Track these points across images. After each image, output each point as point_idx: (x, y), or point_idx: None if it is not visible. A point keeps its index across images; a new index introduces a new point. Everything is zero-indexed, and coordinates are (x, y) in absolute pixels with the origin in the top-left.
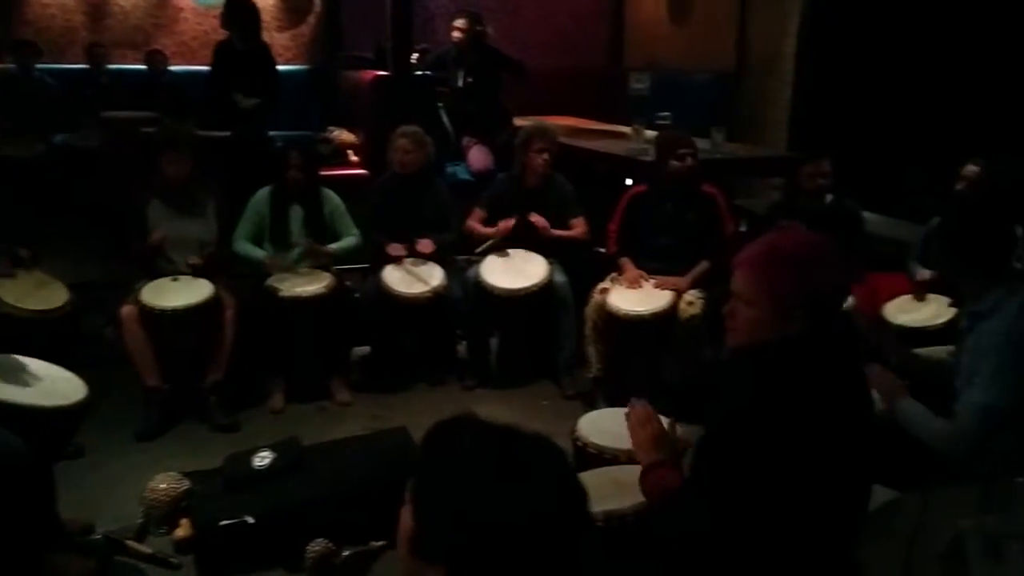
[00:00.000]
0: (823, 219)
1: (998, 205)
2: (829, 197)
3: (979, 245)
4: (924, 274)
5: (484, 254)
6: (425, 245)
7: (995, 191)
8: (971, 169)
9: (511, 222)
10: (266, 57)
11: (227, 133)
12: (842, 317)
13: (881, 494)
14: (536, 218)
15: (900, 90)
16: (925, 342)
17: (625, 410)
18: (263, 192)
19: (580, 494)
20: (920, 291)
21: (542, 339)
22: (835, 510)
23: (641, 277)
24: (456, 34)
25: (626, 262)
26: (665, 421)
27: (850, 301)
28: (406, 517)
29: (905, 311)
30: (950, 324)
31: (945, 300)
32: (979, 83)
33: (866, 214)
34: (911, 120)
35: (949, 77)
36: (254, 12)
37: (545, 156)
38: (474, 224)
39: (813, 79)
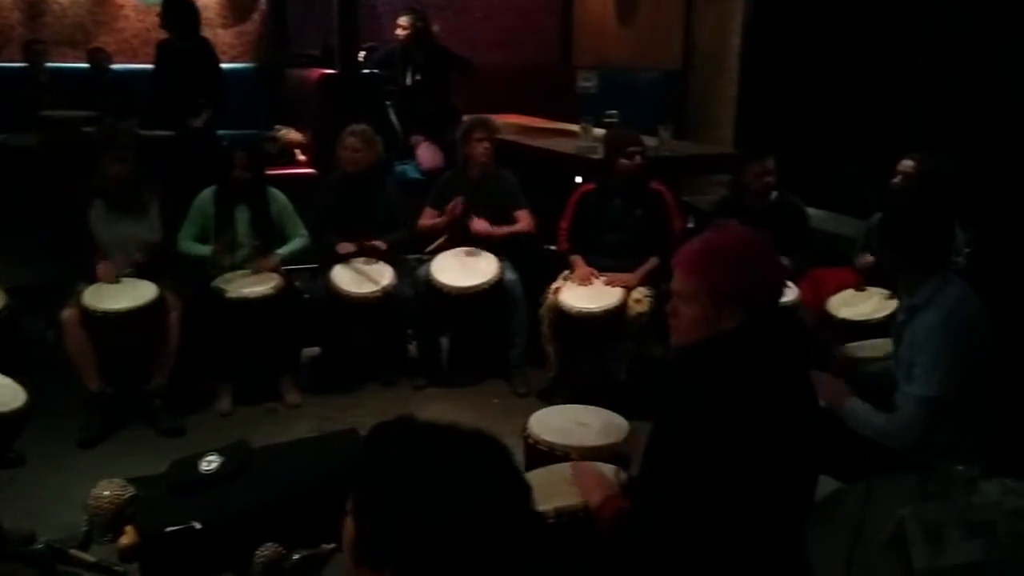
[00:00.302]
0: (768, 216)
1: (937, 199)
2: (774, 194)
3: (918, 237)
4: (868, 259)
5: (434, 252)
6: (376, 248)
7: (933, 186)
8: (907, 164)
9: (458, 205)
10: (209, 56)
11: (171, 132)
12: (782, 313)
13: (827, 485)
14: (477, 223)
15: (840, 86)
16: (868, 335)
17: (575, 407)
18: (207, 192)
19: (523, 490)
20: (862, 279)
21: (493, 337)
22: (784, 503)
23: (592, 275)
24: (400, 32)
25: (577, 259)
26: (609, 469)
27: (795, 295)
28: (348, 525)
29: (848, 304)
30: (891, 317)
31: (885, 293)
32: (915, 79)
33: (809, 210)
34: (851, 115)
35: (887, 73)
36: (192, 10)
37: (486, 145)
38: (426, 222)
39: (757, 77)
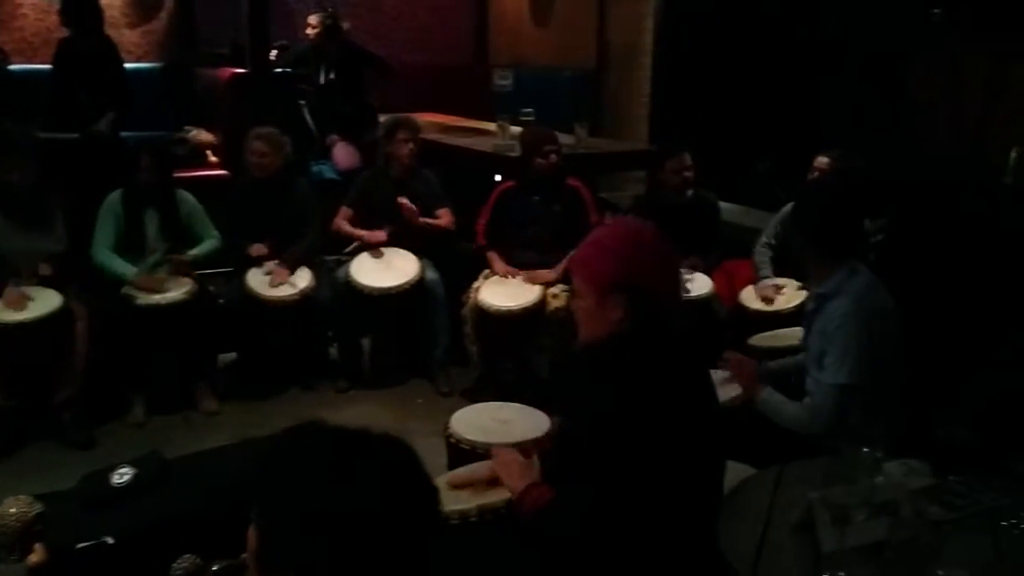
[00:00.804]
0: (685, 211)
1: (847, 190)
2: (690, 191)
3: (829, 227)
4: (767, 287)
5: (353, 253)
6: (280, 274)
7: (845, 178)
8: (822, 160)
9: (383, 234)
10: (111, 55)
11: (74, 135)
12: (694, 305)
13: (741, 472)
14: (405, 203)
15: (750, 83)
16: (780, 325)
17: (495, 404)
18: (114, 196)
19: (429, 493)
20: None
21: (415, 337)
22: (694, 492)
23: (509, 273)
24: (310, 31)
25: (493, 256)
26: (531, 423)
27: (709, 288)
28: (251, 533)
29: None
30: (802, 307)
31: (796, 283)
32: (824, 76)
33: (722, 204)
34: (761, 112)
35: (796, 70)
36: (94, 7)
37: (411, 146)
38: (342, 223)
39: (670, 74)
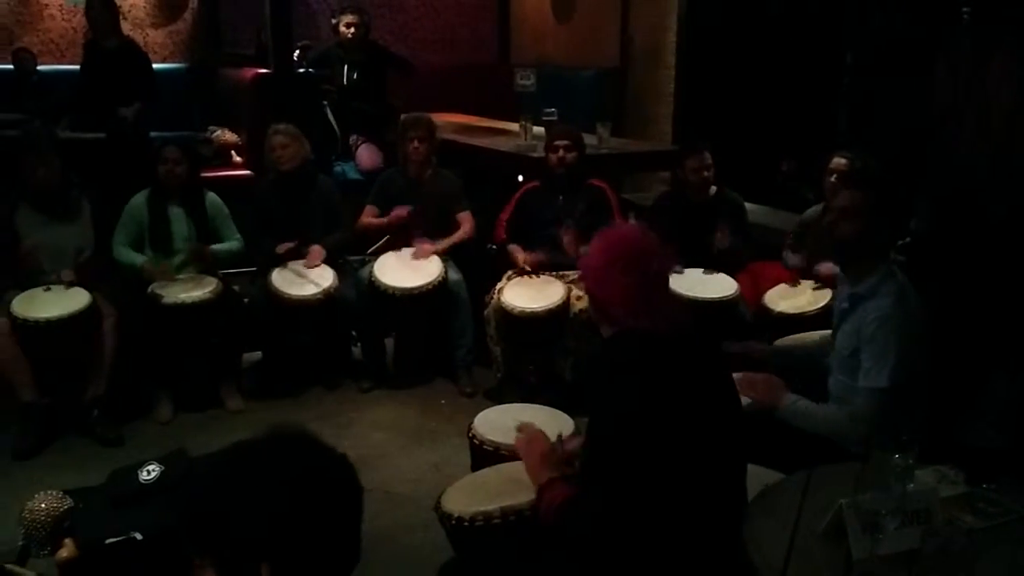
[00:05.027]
0: (709, 211)
1: (893, 187)
2: (713, 189)
3: (874, 224)
4: (795, 260)
5: (376, 253)
6: (315, 254)
7: (883, 179)
8: (839, 161)
9: (404, 210)
10: (137, 54)
11: (100, 135)
12: (719, 307)
13: (767, 476)
14: (421, 248)
15: (776, 82)
16: (804, 327)
17: (520, 406)
18: (139, 197)
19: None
20: (797, 275)
21: (438, 338)
22: (712, 491)
23: (531, 262)
24: (351, 30)
25: (515, 248)
26: (553, 434)
27: (735, 289)
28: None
29: (785, 298)
30: (827, 309)
31: (814, 284)
32: (844, 76)
33: (747, 204)
34: (786, 112)
35: (820, 69)
36: (108, 7)
37: (416, 144)
38: (366, 219)
39: (694, 73)
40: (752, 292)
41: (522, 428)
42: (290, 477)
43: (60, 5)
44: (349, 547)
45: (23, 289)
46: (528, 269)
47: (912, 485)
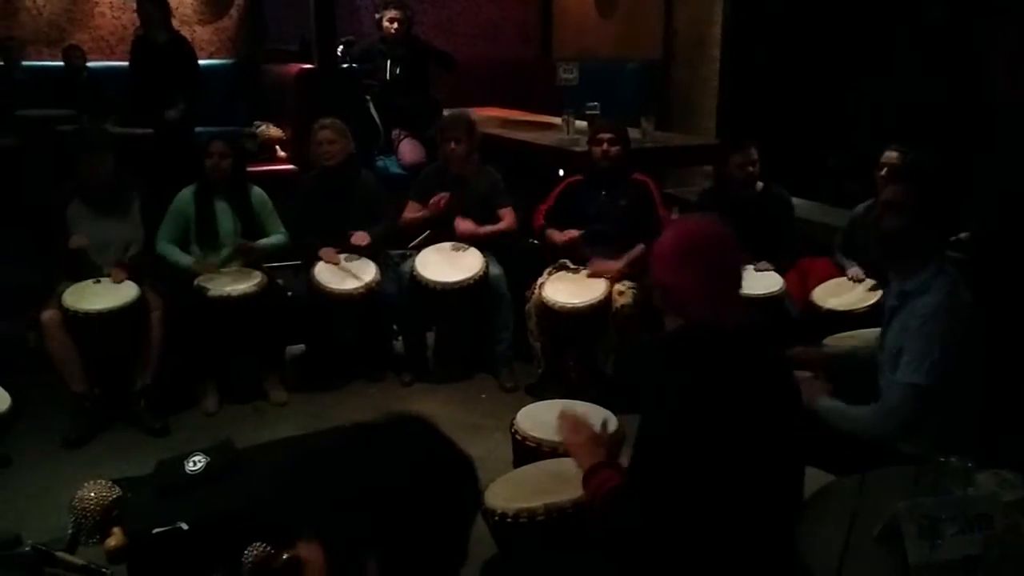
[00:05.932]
0: (754, 206)
1: (948, 181)
2: (759, 184)
3: (926, 217)
4: (857, 272)
5: (418, 248)
6: (360, 237)
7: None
8: (890, 155)
9: (445, 196)
10: (185, 50)
11: (150, 131)
12: (767, 303)
13: (819, 478)
14: (462, 224)
15: (823, 75)
16: (853, 325)
17: (562, 402)
18: (186, 192)
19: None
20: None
21: (479, 332)
22: (770, 493)
23: (567, 239)
24: (394, 25)
25: (552, 231)
26: (597, 421)
27: (781, 286)
28: (310, 551)
29: (834, 295)
30: (876, 307)
31: (869, 283)
32: (894, 69)
33: (794, 200)
34: (834, 105)
35: (871, 62)
36: (159, 1)
37: (453, 145)
38: (409, 215)
39: (740, 66)
40: (799, 289)
41: (564, 415)
42: (412, 460)
43: (110, 2)
44: (459, 543)
45: (75, 282)
46: (569, 264)
47: (972, 489)
